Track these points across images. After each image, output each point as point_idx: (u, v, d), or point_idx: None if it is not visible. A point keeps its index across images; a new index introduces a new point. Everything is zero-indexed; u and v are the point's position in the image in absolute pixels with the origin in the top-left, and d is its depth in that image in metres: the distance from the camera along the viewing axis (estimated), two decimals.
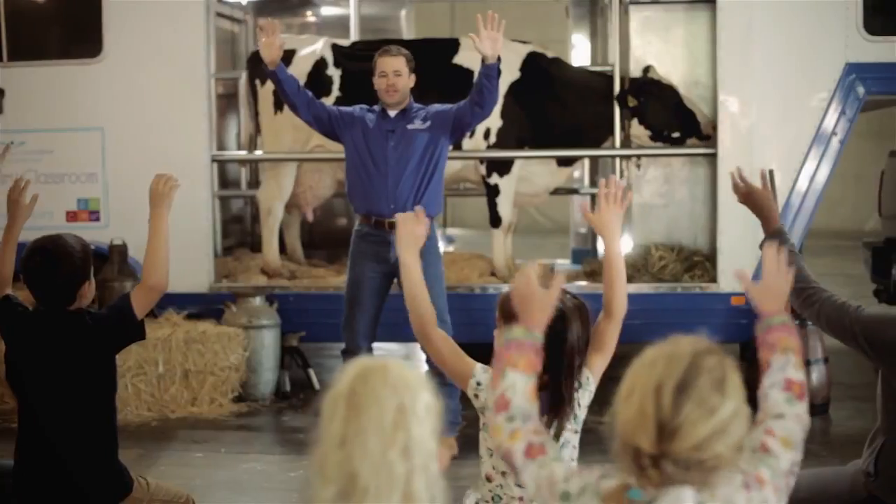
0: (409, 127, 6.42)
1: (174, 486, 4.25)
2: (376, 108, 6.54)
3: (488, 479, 3.35)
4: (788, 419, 2.39)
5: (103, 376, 3.95)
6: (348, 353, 6.42)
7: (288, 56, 8.32)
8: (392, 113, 6.48)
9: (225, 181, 9.80)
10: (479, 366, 3.33)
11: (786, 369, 2.49)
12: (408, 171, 6.35)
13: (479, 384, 3.30)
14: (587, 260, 9.16)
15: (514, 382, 2.50)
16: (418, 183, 6.40)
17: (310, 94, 6.65)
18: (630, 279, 8.05)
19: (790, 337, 2.56)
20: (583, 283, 8.31)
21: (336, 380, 2.18)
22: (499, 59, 6.13)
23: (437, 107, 6.49)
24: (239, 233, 9.87)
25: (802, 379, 2.50)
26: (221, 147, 9.31)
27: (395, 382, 2.15)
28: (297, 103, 6.56)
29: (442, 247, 9.66)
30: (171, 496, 4.12)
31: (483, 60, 6.13)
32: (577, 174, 10.06)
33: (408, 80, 6.46)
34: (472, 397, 3.34)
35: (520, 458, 2.38)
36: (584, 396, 3.32)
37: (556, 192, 8.97)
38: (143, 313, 3.96)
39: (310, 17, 10.71)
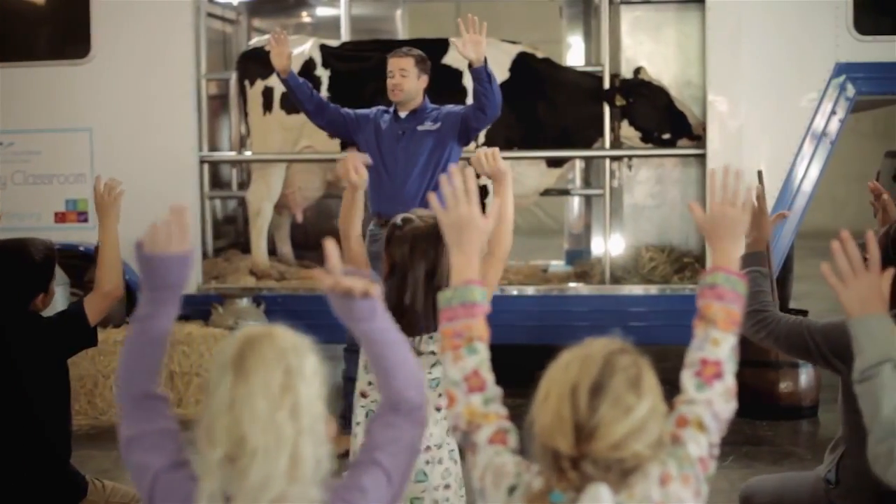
0: (420, 128, 6.41)
1: (131, 488, 4.23)
2: (391, 109, 6.54)
3: (363, 395, 3.42)
4: (698, 405, 2.34)
5: (54, 381, 3.93)
6: (351, 352, 6.43)
7: None
8: (403, 114, 6.48)
9: (218, 182, 9.78)
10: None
11: (703, 347, 2.39)
12: (415, 171, 6.34)
13: None
14: (578, 261, 9.11)
15: (484, 358, 2.43)
16: (425, 184, 6.36)
17: (323, 99, 6.72)
18: (620, 281, 8.10)
19: (715, 303, 2.42)
20: (574, 284, 8.27)
21: (222, 348, 2.19)
22: (486, 60, 6.08)
23: (448, 108, 6.48)
24: (232, 234, 9.85)
25: (719, 356, 2.38)
26: (214, 148, 9.30)
27: (282, 346, 2.17)
28: (311, 109, 6.59)
29: None
30: (129, 498, 4.10)
31: (469, 65, 6.08)
32: (570, 175, 10.01)
33: (416, 81, 6.43)
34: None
35: (483, 440, 2.34)
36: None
37: (547, 192, 8.92)
38: (97, 320, 3.95)
39: (305, 17, 10.69)
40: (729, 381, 2.38)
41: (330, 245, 2.31)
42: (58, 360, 3.94)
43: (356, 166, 3.85)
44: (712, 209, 2.56)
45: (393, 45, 8.22)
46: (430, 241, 3.51)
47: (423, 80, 6.47)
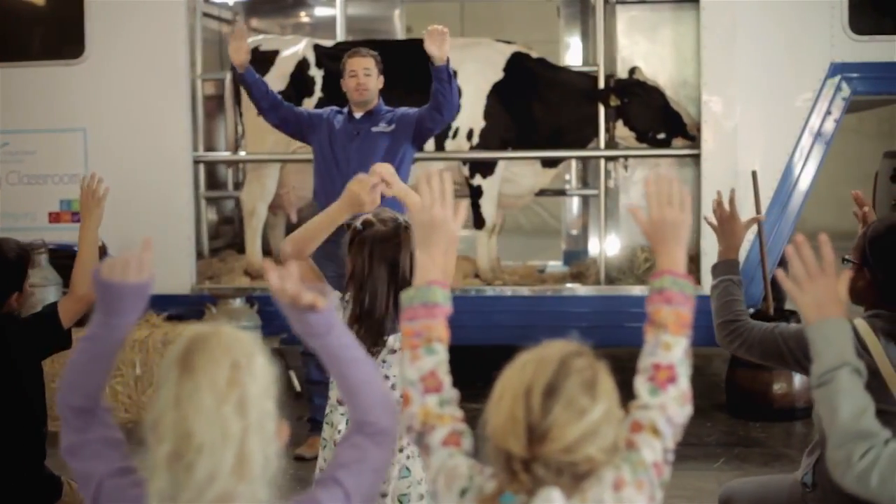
0: (374, 129, 6.38)
1: None
2: (344, 109, 6.51)
3: (340, 403, 3.43)
4: (652, 410, 2.31)
5: (28, 381, 3.92)
6: (308, 355, 6.41)
7: (271, 57, 8.33)
8: (358, 115, 6.44)
9: (215, 182, 9.78)
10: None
11: (655, 352, 2.36)
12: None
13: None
14: (575, 262, 9.09)
15: (443, 359, 2.41)
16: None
17: (278, 97, 6.64)
18: (615, 281, 8.08)
19: (665, 307, 2.38)
20: (571, 284, 8.24)
21: (171, 347, 2.19)
22: (448, 59, 6.07)
23: (403, 110, 6.43)
24: (229, 234, 9.85)
25: (671, 360, 2.34)
26: (211, 148, 9.30)
27: (230, 343, 2.17)
28: (265, 106, 6.54)
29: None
30: None
31: (431, 63, 6.06)
32: (567, 175, 10.00)
33: (377, 81, 6.42)
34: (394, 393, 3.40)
35: (436, 441, 2.32)
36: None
37: (542, 193, 8.90)
38: (71, 322, 3.94)
39: (303, 17, 10.69)
40: (683, 385, 2.35)
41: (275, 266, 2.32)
42: (31, 361, 3.93)
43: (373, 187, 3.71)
44: (651, 213, 2.53)
45: (388, 45, 8.23)
46: (391, 245, 3.51)
47: (381, 81, 6.48)
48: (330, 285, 6.63)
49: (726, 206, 3.97)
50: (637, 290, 7.81)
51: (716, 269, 3.92)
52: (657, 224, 2.50)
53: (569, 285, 8.20)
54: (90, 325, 2.39)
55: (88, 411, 2.36)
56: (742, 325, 3.71)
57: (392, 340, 3.55)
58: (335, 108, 6.62)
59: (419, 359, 2.39)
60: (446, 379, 2.40)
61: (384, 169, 3.68)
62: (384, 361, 3.54)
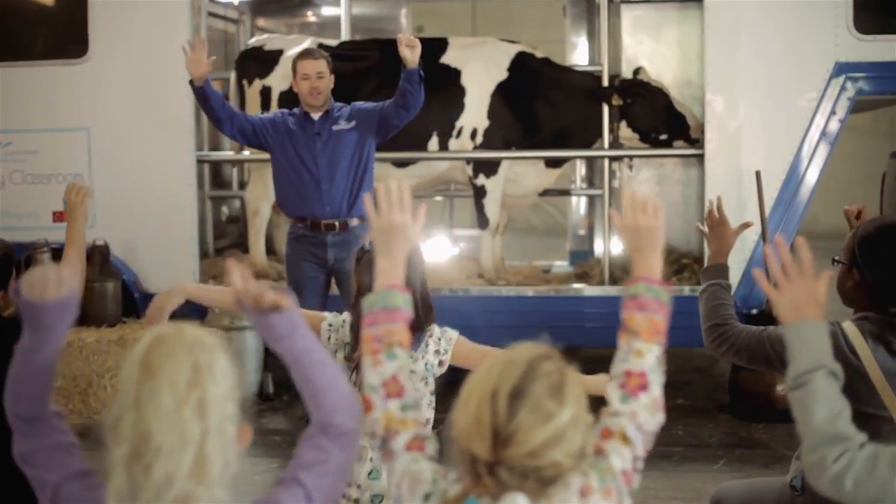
0: (335, 128, 6.52)
1: None
2: (296, 111, 6.60)
3: None
4: (623, 417, 2.30)
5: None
6: None
7: (275, 56, 8.33)
8: (315, 116, 6.57)
9: (221, 182, 9.79)
10: (328, 315, 3.71)
11: (627, 359, 2.36)
12: (339, 171, 6.48)
13: (330, 325, 3.68)
14: (579, 262, 9.06)
15: (404, 364, 2.39)
16: (350, 182, 6.51)
17: (233, 108, 6.83)
18: (619, 281, 8.04)
19: (638, 314, 2.38)
20: (578, 285, 8.22)
21: (135, 346, 2.18)
22: (420, 65, 6.24)
23: (359, 105, 6.61)
24: (235, 233, 9.86)
25: (643, 368, 2.34)
26: (217, 147, 9.30)
27: (191, 343, 2.16)
28: (221, 118, 6.59)
29: (449, 249, 9.62)
30: None
31: (404, 66, 6.23)
32: (572, 175, 9.97)
33: (329, 82, 6.56)
34: (324, 340, 3.60)
35: (400, 446, 2.31)
36: (437, 349, 3.68)
37: (547, 193, 8.87)
38: None
39: (309, 16, 10.69)
40: (655, 393, 2.34)
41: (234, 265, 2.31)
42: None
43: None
44: (624, 219, 2.53)
45: (392, 44, 8.21)
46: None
47: (332, 80, 6.61)
48: (311, 286, 6.65)
49: (716, 212, 3.94)
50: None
51: (705, 273, 3.90)
52: (631, 230, 2.51)
53: (575, 286, 8.18)
54: (21, 338, 2.37)
55: (37, 419, 2.35)
56: (730, 329, 3.68)
57: None
58: (285, 110, 6.77)
59: (380, 364, 2.38)
60: (408, 383, 2.38)
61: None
62: None
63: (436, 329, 3.69)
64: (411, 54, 6.17)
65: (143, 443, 2.07)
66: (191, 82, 6.45)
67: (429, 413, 3.61)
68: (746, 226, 4.03)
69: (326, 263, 6.53)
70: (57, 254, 7.65)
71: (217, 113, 6.55)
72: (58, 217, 8.07)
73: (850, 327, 3.51)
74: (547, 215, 17.75)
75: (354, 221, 6.53)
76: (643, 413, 2.32)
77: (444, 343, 3.67)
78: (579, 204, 10.32)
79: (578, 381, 2.18)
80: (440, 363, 3.67)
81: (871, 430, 3.31)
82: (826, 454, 2.45)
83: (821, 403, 2.49)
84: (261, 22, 10.32)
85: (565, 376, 2.16)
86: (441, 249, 9.56)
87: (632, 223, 2.51)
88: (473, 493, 2.13)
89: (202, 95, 6.46)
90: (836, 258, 3.70)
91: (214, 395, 2.12)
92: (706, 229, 4.00)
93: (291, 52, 8.32)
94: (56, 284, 2.35)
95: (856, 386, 3.48)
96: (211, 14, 9.16)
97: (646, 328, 2.38)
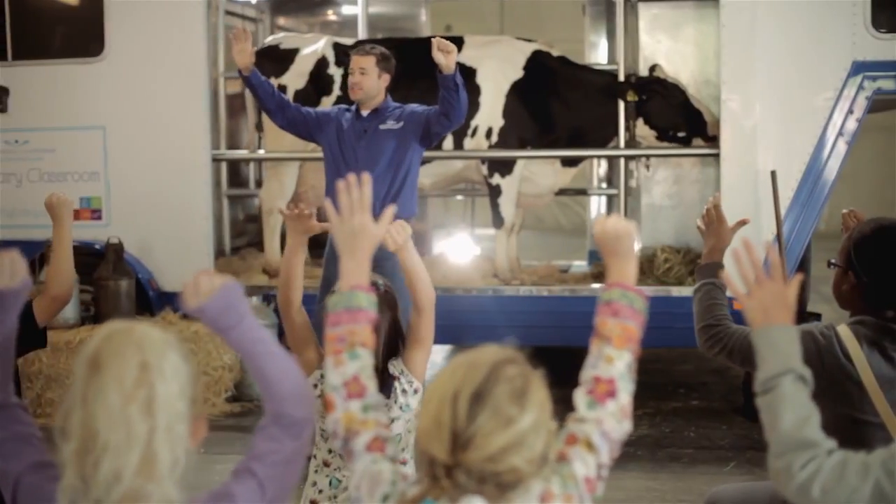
0: (381, 127, 6.34)
1: None
2: (353, 107, 6.48)
3: (326, 465, 3.42)
4: (588, 423, 2.27)
5: None
6: None
7: (291, 55, 8.33)
8: (365, 112, 6.41)
9: (239, 181, 9.81)
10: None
11: (597, 365, 2.33)
12: (377, 171, 6.22)
13: (322, 377, 3.39)
14: (596, 262, 9.01)
15: (366, 364, 2.37)
16: (388, 183, 6.30)
17: (285, 98, 6.66)
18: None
19: (611, 320, 2.35)
20: (595, 285, 8.17)
21: (86, 343, 2.18)
22: (456, 68, 5.99)
23: (412, 107, 6.39)
24: (253, 232, 9.87)
25: (612, 374, 2.31)
26: (234, 146, 9.32)
27: (140, 341, 2.15)
28: (272, 108, 6.54)
29: (470, 248, 9.60)
30: None
31: (439, 71, 6.00)
32: (590, 174, 9.92)
33: (377, 80, 6.36)
34: (310, 386, 3.43)
35: (360, 447, 2.29)
36: (404, 388, 3.53)
37: (563, 192, 8.83)
38: (45, 321, 3.95)
39: (330, 15, 10.68)
40: (623, 400, 2.31)
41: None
42: None
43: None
44: (595, 226, 2.54)
45: (409, 43, 8.20)
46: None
47: (385, 79, 6.40)
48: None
49: (712, 211, 3.90)
50: (651, 292, 7.71)
51: (699, 272, 3.84)
52: (601, 236, 2.50)
53: (592, 286, 8.13)
54: None
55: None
56: (722, 330, 3.63)
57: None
58: (343, 106, 6.61)
59: (342, 364, 2.36)
60: (370, 384, 2.36)
61: (398, 228, 3.57)
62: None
63: (394, 368, 3.59)
64: (445, 59, 5.91)
65: (91, 440, 2.08)
66: (239, 72, 6.50)
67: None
68: (743, 223, 3.98)
69: None
70: (74, 252, 7.74)
71: (267, 103, 6.54)
72: (74, 215, 8.04)
73: (844, 331, 3.46)
74: (574, 214, 17.71)
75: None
76: (610, 420, 2.29)
77: (404, 372, 3.57)
78: (600, 203, 10.27)
79: (543, 386, 2.16)
80: (415, 391, 3.57)
81: (863, 437, 3.28)
82: (792, 461, 2.40)
83: (788, 409, 2.44)
84: (281, 21, 10.33)
85: (529, 381, 2.13)
86: (461, 249, 9.54)
87: (601, 227, 2.51)
88: (431, 496, 2.10)
89: (250, 85, 6.49)
90: (832, 261, 3.64)
91: (163, 393, 2.12)
92: (703, 226, 3.95)
93: (306, 50, 8.34)
94: (10, 274, 2.39)
95: (849, 391, 3.44)
96: (229, 13, 9.17)
97: (618, 334, 2.35)
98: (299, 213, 3.72)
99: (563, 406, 2.22)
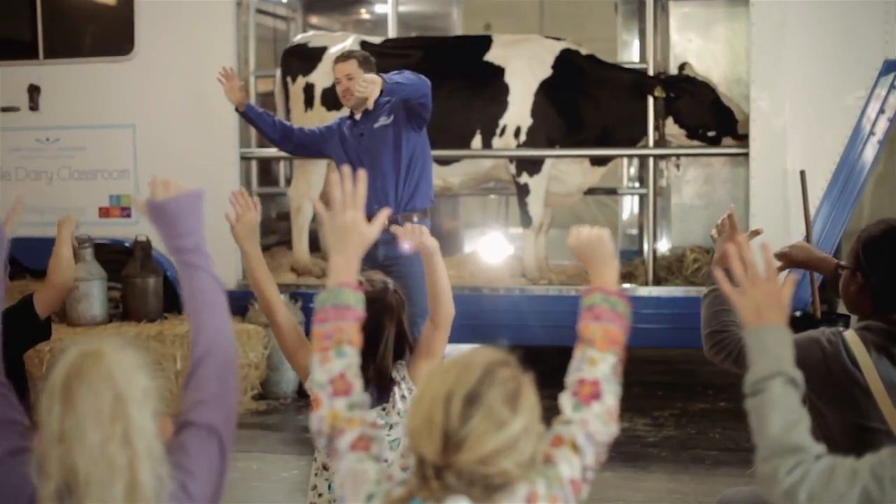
0: (376, 126, 6.48)
1: None
2: (349, 114, 6.61)
3: (325, 469, 3.41)
4: (574, 425, 2.26)
5: (10, 375, 3.94)
6: None
7: (318, 54, 8.34)
8: (358, 116, 6.56)
9: (270, 179, 9.84)
10: None
11: (581, 367, 2.33)
12: (382, 167, 6.38)
13: None
14: (625, 262, 8.95)
15: (352, 362, 2.37)
16: (397, 177, 6.42)
17: (286, 124, 6.90)
18: (663, 282, 7.94)
19: (593, 323, 2.36)
20: (626, 285, 8.12)
21: (53, 369, 2.17)
22: (384, 80, 6.08)
23: (395, 98, 6.49)
24: (283, 230, 9.89)
25: (596, 376, 2.31)
26: (264, 144, 9.33)
27: (110, 371, 2.15)
28: (276, 138, 6.79)
29: (503, 247, 9.56)
30: None
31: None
32: (620, 173, 9.86)
33: None
34: (307, 389, 3.32)
35: (345, 445, 2.28)
36: (403, 394, 3.46)
37: (592, 191, 8.78)
38: (47, 313, 4.00)
39: (363, 14, 10.70)
40: (609, 402, 2.30)
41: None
42: (12, 354, 3.95)
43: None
44: (570, 233, 2.56)
45: (435, 42, 8.20)
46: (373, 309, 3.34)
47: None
48: None
49: (726, 223, 3.86)
50: (680, 292, 7.66)
51: (709, 277, 3.79)
52: (576, 246, 2.53)
53: (624, 286, 8.07)
54: None
55: None
56: (728, 337, 3.57)
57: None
58: (342, 116, 6.77)
59: (329, 361, 2.36)
60: (356, 382, 2.36)
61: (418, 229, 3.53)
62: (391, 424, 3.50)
63: (396, 373, 3.53)
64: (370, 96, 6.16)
65: (72, 476, 2.08)
66: (236, 108, 6.78)
67: None
68: (756, 233, 3.93)
69: (376, 260, 6.43)
70: (103, 249, 7.80)
71: (270, 134, 6.79)
72: (104, 213, 8.20)
73: (851, 337, 3.40)
74: (613, 214, 17.59)
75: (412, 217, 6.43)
76: (595, 422, 2.28)
77: (405, 378, 3.51)
78: (632, 203, 10.21)
79: (533, 389, 2.16)
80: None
81: (870, 444, 3.21)
82: (779, 465, 2.36)
83: (777, 412, 2.40)
84: (313, 19, 10.35)
85: (521, 384, 2.13)
86: (493, 248, 9.50)
87: (576, 234, 2.54)
88: (419, 496, 2.10)
89: (248, 119, 6.77)
90: (841, 264, 3.59)
91: (138, 419, 2.13)
92: (716, 235, 3.91)
93: (334, 49, 8.35)
94: None
95: (855, 398, 3.38)
96: (260, 11, 9.20)
97: (601, 337, 2.36)
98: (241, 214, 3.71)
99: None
